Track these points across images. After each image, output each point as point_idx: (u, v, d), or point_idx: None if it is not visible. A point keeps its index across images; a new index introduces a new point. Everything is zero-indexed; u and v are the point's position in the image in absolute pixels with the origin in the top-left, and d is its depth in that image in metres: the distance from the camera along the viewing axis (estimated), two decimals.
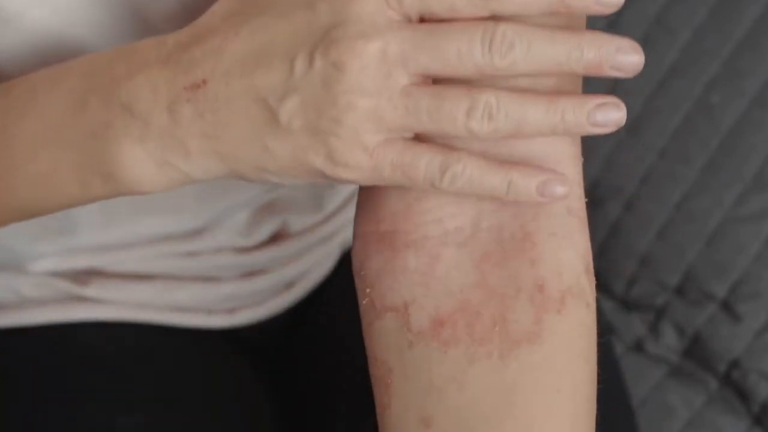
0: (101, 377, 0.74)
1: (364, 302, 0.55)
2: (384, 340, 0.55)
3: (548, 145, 0.53)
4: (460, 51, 0.50)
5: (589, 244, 0.55)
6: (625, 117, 0.51)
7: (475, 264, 0.54)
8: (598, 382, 0.55)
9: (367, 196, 0.56)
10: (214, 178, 0.54)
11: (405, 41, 0.50)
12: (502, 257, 0.53)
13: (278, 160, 0.52)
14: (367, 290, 0.55)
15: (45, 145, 0.55)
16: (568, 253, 0.54)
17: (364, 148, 0.51)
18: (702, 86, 1.02)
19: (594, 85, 1.06)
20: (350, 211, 0.80)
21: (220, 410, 0.75)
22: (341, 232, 0.81)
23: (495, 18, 0.50)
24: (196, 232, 0.74)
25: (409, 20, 0.50)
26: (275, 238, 0.78)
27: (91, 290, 0.75)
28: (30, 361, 0.75)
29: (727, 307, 1.00)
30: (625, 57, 0.50)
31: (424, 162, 0.51)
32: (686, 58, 1.02)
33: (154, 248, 0.74)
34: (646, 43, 1.03)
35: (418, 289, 0.54)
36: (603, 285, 1.03)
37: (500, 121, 0.50)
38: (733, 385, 1.00)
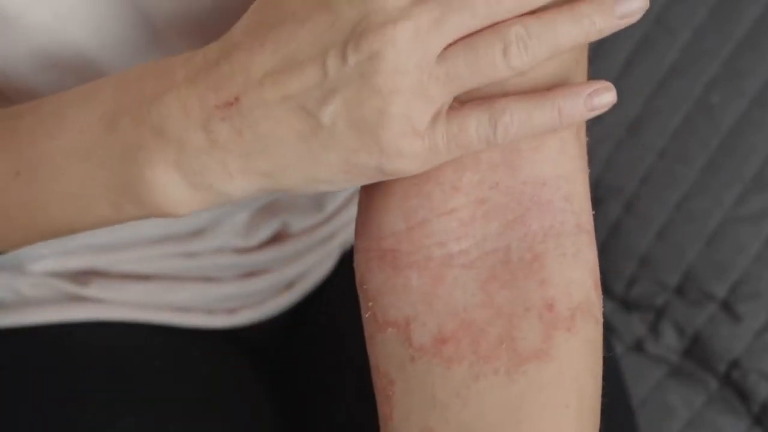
0: (101, 377, 0.74)
1: (366, 315, 0.55)
2: (386, 352, 0.54)
3: (556, 163, 0.53)
4: (488, 0, 0.49)
5: (596, 258, 0.55)
6: (647, 2, 0.51)
7: (481, 285, 0.53)
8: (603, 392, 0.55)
9: (369, 211, 0.55)
10: (255, 195, 0.53)
11: (433, 10, 0.49)
12: (511, 278, 0.53)
13: (330, 167, 0.51)
14: (369, 304, 0.54)
15: (75, 165, 0.53)
16: (578, 271, 0.53)
17: (415, 132, 0.50)
18: (702, 86, 1.02)
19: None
20: (350, 212, 0.80)
21: (220, 410, 0.75)
22: (341, 232, 0.81)
23: None
24: (197, 233, 0.74)
25: None
26: (275, 238, 0.78)
27: (91, 290, 0.75)
28: (30, 361, 0.75)
29: (727, 307, 1.00)
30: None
31: (473, 126, 0.51)
32: (686, 58, 1.02)
33: (154, 249, 0.74)
34: (646, 43, 1.03)
35: (420, 306, 0.53)
36: (603, 285, 1.03)
37: (536, 47, 0.50)
38: (733, 385, 1.00)
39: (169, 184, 0.52)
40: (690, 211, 1.01)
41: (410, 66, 0.49)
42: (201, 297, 0.77)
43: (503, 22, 0.50)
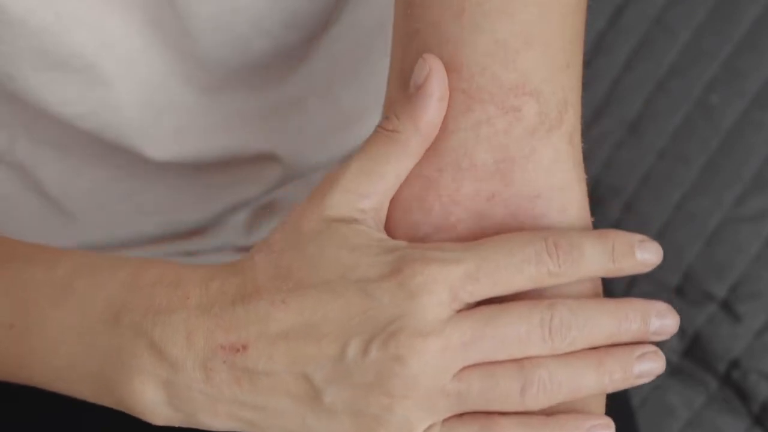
0: None
1: None
2: None
3: (549, 173, 0.53)
4: (520, 338, 0.49)
5: (600, 286, 0.55)
6: (664, 365, 0.52)
7: None
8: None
9: None
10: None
11: (466, 333, 0.49)
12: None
13: None
14: None
15: (68, 343, 0.53)
16: (575, 285, 0.53)
17: None
18: (702, 86, 1.02)
19: (593, 89, 1.06)
20: None
21: None
22: None
23: (548, 296, 0.50)
24: (198, 232, 0.74)
25: (468, 306, 0.50)
26: None
27: None
28: None
29: (727, 307, 1.00)
30: (663, 321, 0.52)
31: None
32: (686, 59, 1.02)
33: (155, 247, 0.74)
34: (646, 43, 1.03)
35: None
36: (603, 285, 1.03)
37: (555, 392, 0.50)
38: (733, 385, 1.00)
39: (153, 399, 0.51)
40: (690, 211, 1.01)
41: (427, 378, 0.49)
42: None
43: (529, 360, 0.50)
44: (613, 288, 1.04)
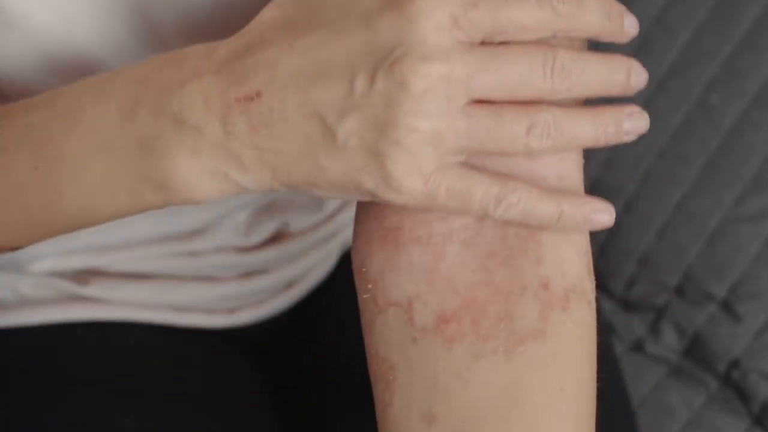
0: (101, 377, 0.74)
1: (365, 297, 0.55)
2: (386, 336, 0.54)
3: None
4: (521, 76, 0.50)
5: (589, 245, 0.55)
6: (648, 124, 0.55)
7: (481, 262, 0.53)
8: (598, 381, 0.55)
9: None
10: (267, 189, 0.53)
11: (469, 64, 0.50)
12: (508, 255, 0.53)
13: (330, 176, 0.51)
14: (369, 287, 0.55)
15: (94, 157, 0.54)
16: (570, 252, 0.54)
17: (420, 174, 0.50)
18: (702, 86, 1.02)
19: None
20: (350, 211, 0.80)
21: (220, 410, 0.76)
22: (341, 232, 0.81)
23: (549, 43, 0.51)
24: (197, 232, 0.75)
25: (471, 42, 0.50)
26: (275, 238, 0.78)
27: (91, 290, 0.75)
28: (30, 361, 0.75)
29: (727, 307, 1.00)
30: (638, 77, 0.55)
31: (481, 191, 0.52)
32: (686, 59, 1.02)
33: (154, 248, 0.74)
34: (646, 43, 1.03)
35: (422, 285, 0.54)
36: (603, 285, 1.03)
37: (556, 138, 0.51)
38: (733, 385, 1.00)
39: (187, 171, 0.52)
40: (690, 211, 1.01)
41: (432, 108, 0.49)
42: (201, 296, 0.78)
43: (533, 105, 0.51)
44: (614, 287, 1.04)
